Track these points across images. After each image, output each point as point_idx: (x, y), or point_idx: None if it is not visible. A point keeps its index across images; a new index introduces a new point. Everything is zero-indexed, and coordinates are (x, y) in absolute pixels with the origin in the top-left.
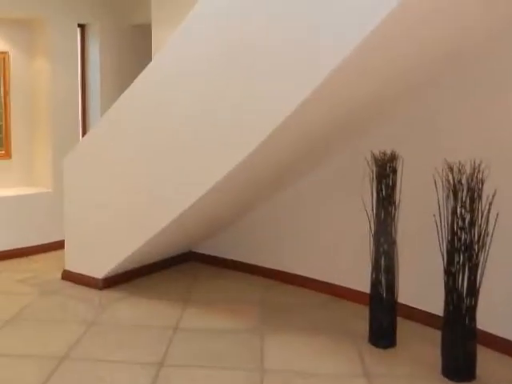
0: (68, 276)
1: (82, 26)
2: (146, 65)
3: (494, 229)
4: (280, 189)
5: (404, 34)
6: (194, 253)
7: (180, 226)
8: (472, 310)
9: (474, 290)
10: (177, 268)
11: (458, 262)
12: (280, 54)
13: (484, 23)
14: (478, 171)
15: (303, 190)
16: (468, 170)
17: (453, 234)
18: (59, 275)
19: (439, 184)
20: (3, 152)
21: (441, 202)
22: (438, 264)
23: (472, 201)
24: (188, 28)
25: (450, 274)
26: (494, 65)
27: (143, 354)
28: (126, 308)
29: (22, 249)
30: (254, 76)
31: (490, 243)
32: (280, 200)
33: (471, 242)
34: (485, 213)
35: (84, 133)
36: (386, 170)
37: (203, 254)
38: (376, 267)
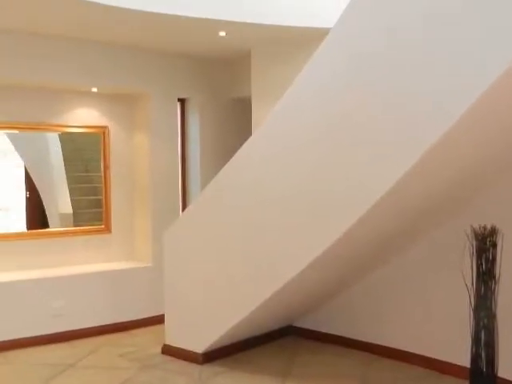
0: (168, 350)
1: (181, 100)
2: (247, 138)
3: None
4: (379, 262)
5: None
6: (294, 327)
7: (278, 301)
8: None
9: None
10: (277, 342)
11: None
12: (380, 128)
13: None
14: None
15: (402, 263)
16: None
17: None
18: (159, 349)
19: None
20: (103, 226)
21: None
22: None
23: None
24: (286, 104)
25: None
26: None
27: None
28: (227, 382)
29: (123, 323)
30: (353, 151)
31: None
32: (379, 274)
33: None
34: None
35: (184, 207)
36: (486, 244)
37: (303, 328)
38: (476, 341)
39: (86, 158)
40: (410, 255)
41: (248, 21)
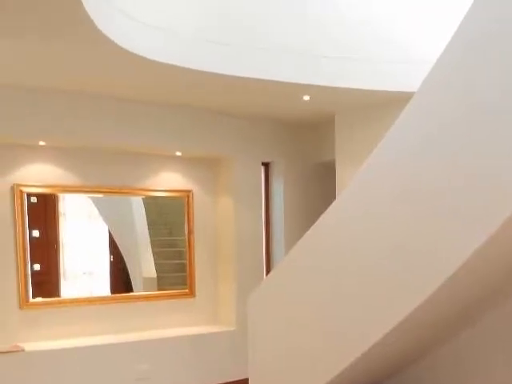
0: None
1: (265, 164)
2: (331, 202)
3: None
4: (463, 326)
5: None
6: None
7: (361, 366)
8: None
9: None
10: None
11: None
12: (464, 197)
13: None
14: None
15: (488, 326)
16: None
17: None
18: None
19: None
20: (187, 290)
21: None
22: None
23: None
24: (368, 169)
25: None
26: None
27: None
28: None
29: None
30: (434, 218)
31: None
32: (463, 337)
33: None
34: None
35: (268, 271)
36: None
37: None
38: None
39: (169, 221)
40: (496, 318)
41: (332, 85)
